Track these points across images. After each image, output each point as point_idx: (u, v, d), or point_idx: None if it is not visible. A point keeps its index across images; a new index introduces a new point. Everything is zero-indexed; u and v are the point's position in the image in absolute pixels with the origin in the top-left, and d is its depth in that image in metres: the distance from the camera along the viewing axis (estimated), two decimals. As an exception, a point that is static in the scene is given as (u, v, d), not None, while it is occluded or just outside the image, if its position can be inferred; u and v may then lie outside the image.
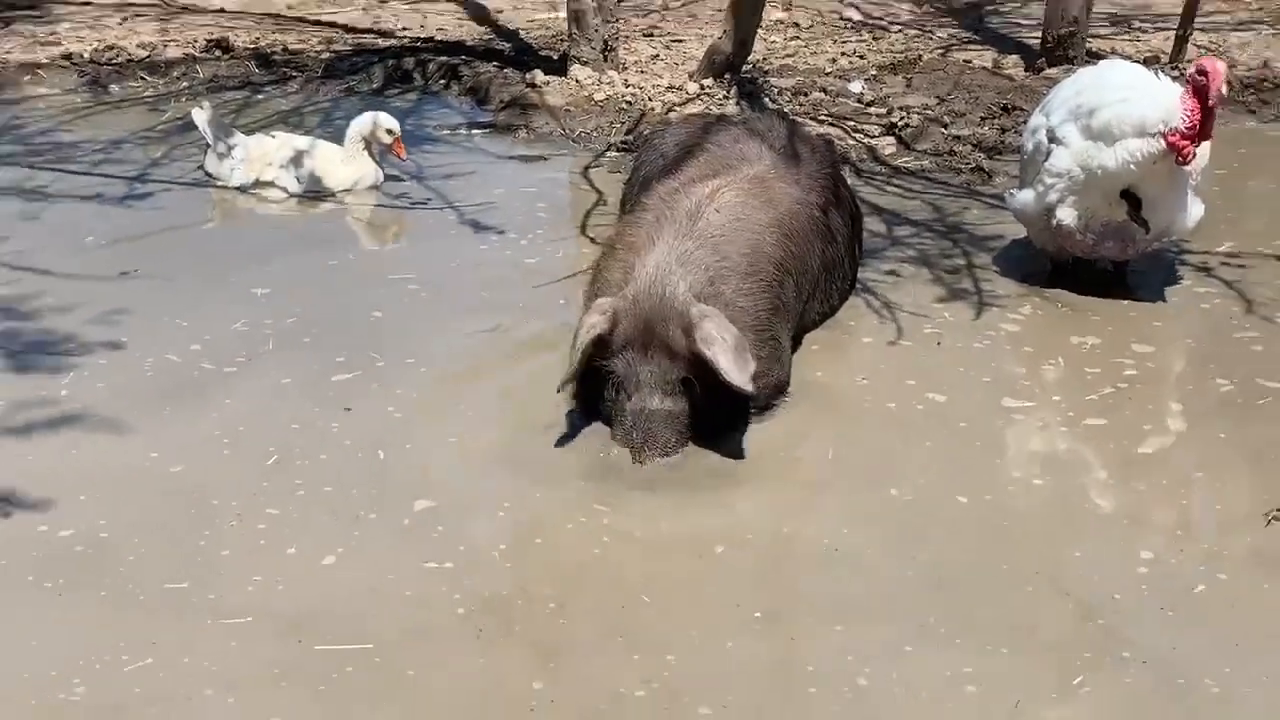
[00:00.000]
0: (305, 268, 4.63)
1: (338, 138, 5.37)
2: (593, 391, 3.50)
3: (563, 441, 3.46)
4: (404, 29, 6.83)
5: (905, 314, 4.34)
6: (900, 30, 6.76)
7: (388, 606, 2.82)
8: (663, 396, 3.29)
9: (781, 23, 7.03)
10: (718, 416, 3.39)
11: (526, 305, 4.36)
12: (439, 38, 6.65)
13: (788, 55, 6.46)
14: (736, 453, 3.45)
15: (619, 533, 3.10)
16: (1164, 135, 4.07)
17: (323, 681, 2.65)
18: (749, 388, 3.22)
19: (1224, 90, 4.04)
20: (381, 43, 6.58)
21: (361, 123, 5.25)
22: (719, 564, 3.01)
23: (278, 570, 2.99)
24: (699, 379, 3.30)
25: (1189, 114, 4.04)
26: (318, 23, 6.91)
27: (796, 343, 4.01)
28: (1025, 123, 4.67)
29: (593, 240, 4.84)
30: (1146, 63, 5.35)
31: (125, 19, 6.95)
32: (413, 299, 4.41)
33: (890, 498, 3.28)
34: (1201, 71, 4.04)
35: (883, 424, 3.68)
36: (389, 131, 5.25)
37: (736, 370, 3.19)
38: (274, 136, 5.39)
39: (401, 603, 2.86)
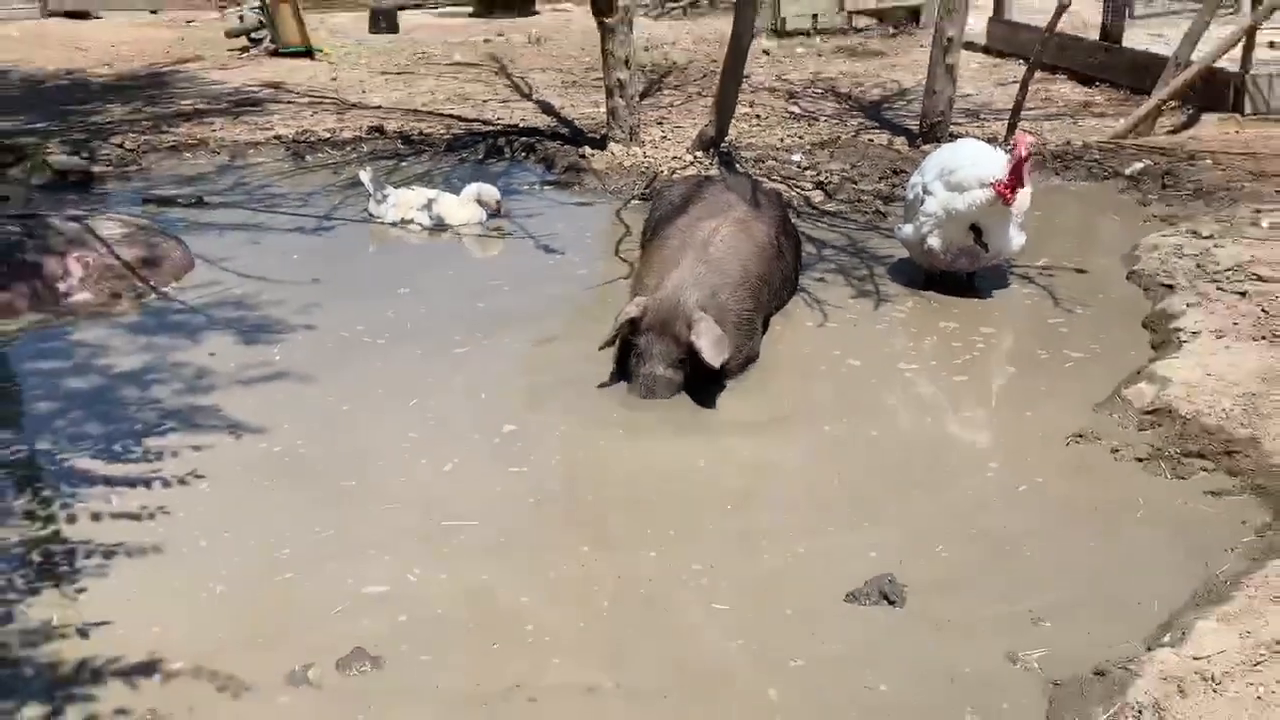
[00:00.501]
0: (434, 277, 4.49)
1: (456, 190, 5.19)
2: (624, 359, 3.42)
3: (601, 387, 3.40)
4: (499, 119, 6.80)
5: (831, 306, 4.19)
6: (826, 120, 6.68)
7: (483, 497, 2.79)
8: (666, 366, 3.24)
9: (748, 115, 6.92)
10: (707, 381, 3.30)
11: (579, 301, 4.23)
12: (521, 125, 6.53)
13: (750, 136, 6.31)
14: (713, 403, 3.33)
15: (635, 450, 3.04)
16: (994, 186, 3.96)
17: (445, 545, 2.63)
18: (716, 364, 3.13)
19: (1025, 153, 3.87)
20: (484, 128, 6.43)
21: (472, 189, 5.11)
22: (702, 473, 2.95)
23: (415, 473, 2.94)
24: (692, 359, 3.23)
25: (1009, 170, 3.94)
26: (443, 115, 6.85)
27: (764, 326, 3.87)
28: (908, 180, 4.46)
29: (622, 259, 4.65)
30: (989, 140, 5.27)
31: (315, 112, 6.95)
32: (505, 298, 4.27)
33: (824, 432, 3.18)
34: (1014, 144, 3.96)
35: (818, 380, 3.55)
36: (496, 200, 5.11)
37: (712, 355, 3.13)
38: (413, 189, 5.20)
39: (492, 495, 2.82)
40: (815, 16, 9.39)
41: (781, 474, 2.91)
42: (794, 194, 5.35)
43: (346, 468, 2.91)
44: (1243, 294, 3.64)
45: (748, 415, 3.22)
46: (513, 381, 3.45)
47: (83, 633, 2.18)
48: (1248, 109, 6.13)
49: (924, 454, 2.98)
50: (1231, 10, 7.27)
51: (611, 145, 6.03)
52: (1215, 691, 1.72)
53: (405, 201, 5.08)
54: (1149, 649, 1.99)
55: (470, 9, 10.44)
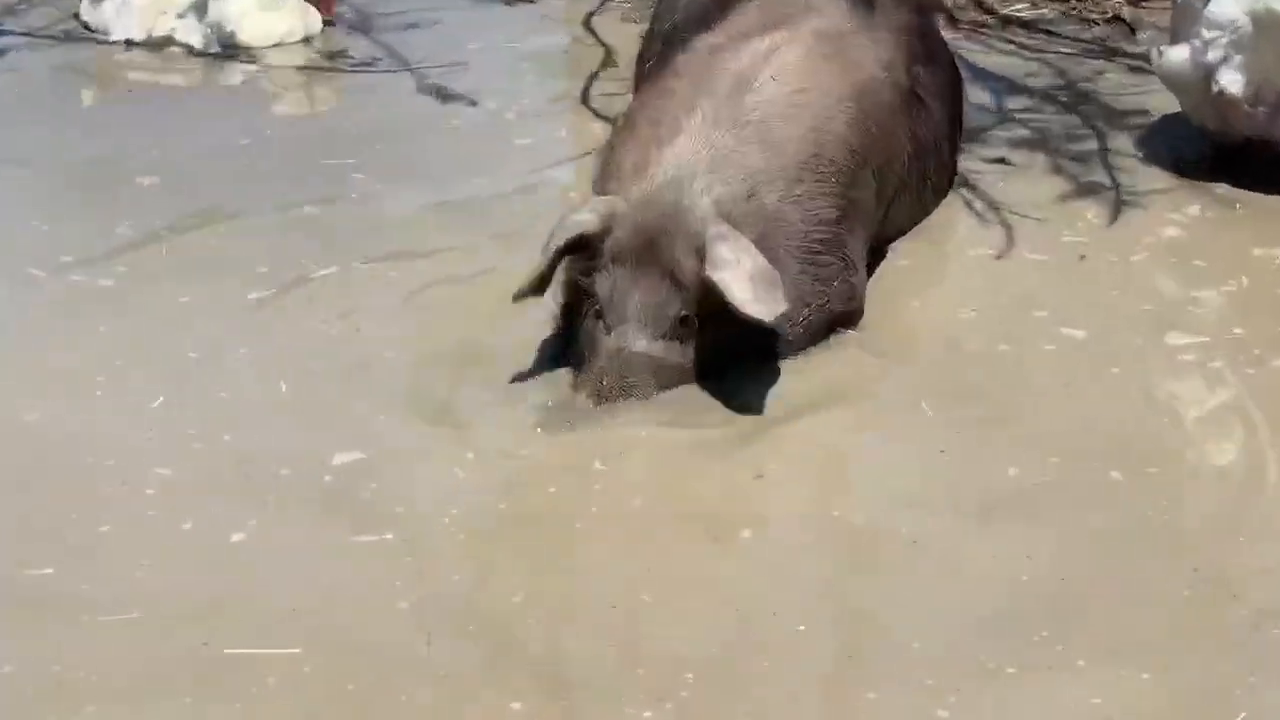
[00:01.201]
0: (211, 150, 4.16)
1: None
2: (570, 318, 3.18)
3: (519, 380, 3.09)
4: None
5: (1023, 218, 3.78)
6: None
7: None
8: (651, 337, 2.99)
9: None
10: (740, 363, 3.07)
11: (515, 202, 3.90)
12: None
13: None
14: (757, 406, 3.01)
15: (601, 514, 2.73)
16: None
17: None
18: (767, 318, 2.90)
19: None
20: None
21: None
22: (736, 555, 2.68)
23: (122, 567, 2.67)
24: (711, 320, 2.98)
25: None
26: None
27: (877, 257, 3.51)
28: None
29: (598, 114, 4.36)
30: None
31: None
32: (360, 193, 3.93)
33: (1009, 480, 2.79)
34: None
35: (1000, 373, 3.19)
36: None
37: (753, 298, 2.89)
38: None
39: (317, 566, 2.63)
40: None
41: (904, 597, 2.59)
42: (949, -15, 5.13)
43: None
44: None
45: (828, 442, 3.00)
46: (346, 361, 3.20)
47: None
48: None
49: (1217, 534, 2.70)
50: None
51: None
52: None
53: (154, 1, 4.79)
54: None
55: None
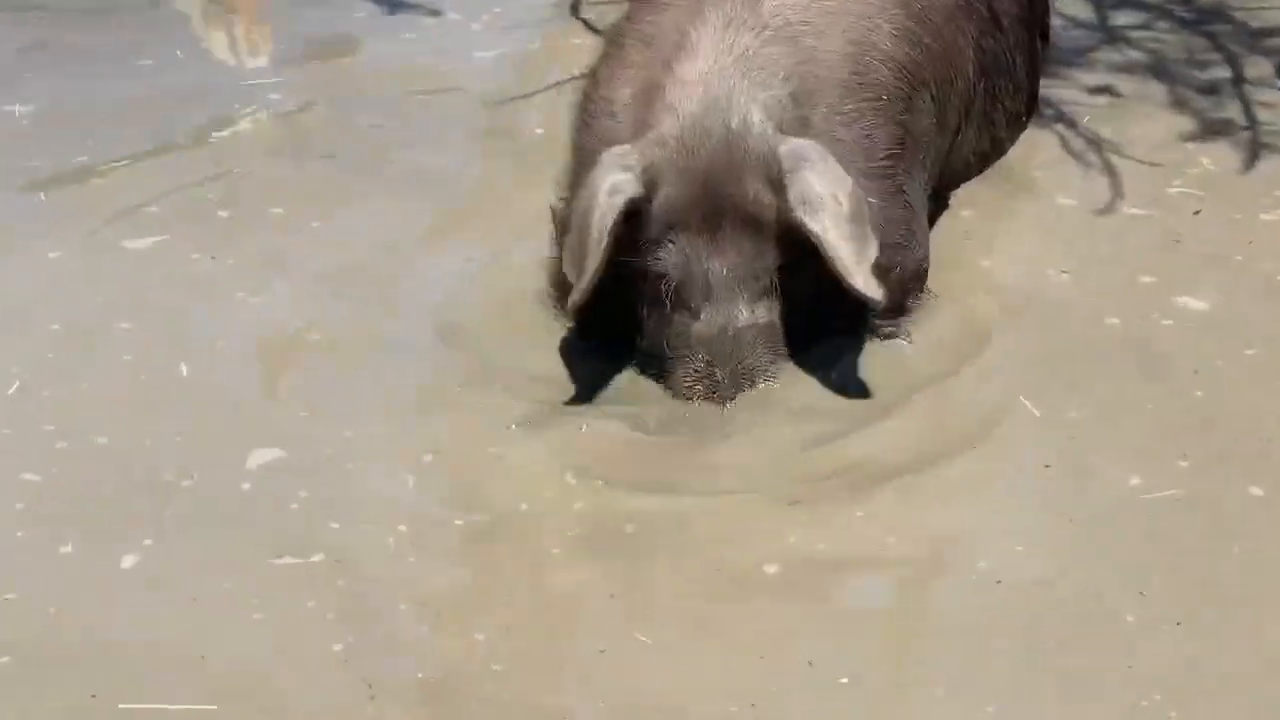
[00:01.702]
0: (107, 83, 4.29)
1: None
2: (605, 311, 3.14)
3: (570, 405, 3.06)
4: None
5: (1129, 159, 3.81)
6: None
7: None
8: (753, 302, 3.03)
9: None
10: (811, 331, 3.13)
11: (482, 141, 3.99)
12: None
13: None
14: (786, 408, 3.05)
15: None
16: None
17: None
18: (876, 294, 2.93)
19: None
20: None
21: None
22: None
23: None
24: (791, 266, 3.02)
25: None
26: None
27: (939, 204, 3.56)
28: None
29: (589, 25, 4.43)
30: None
31: None
32: (281, 128, 4.08)
33: (1128, 492, 2.79)
34: None
35: (1110, 355, 3.19)
36: None
37: (855, 260, 2.91)
38: None
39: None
40: None
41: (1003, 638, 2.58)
42: None
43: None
44: None
45: (917, 444, 2.97)
46: (264, 336, 3.22)
47: None
48: None
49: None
50: None
51: None
52: None
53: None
54: None
55: None
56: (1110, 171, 3.82)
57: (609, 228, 2.91)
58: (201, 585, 2.53)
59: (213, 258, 3.45)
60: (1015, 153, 3.86)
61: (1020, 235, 3.64)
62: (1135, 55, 4.33)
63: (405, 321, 3.28)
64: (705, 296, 3.01)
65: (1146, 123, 4.00)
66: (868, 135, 3.20)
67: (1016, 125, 3.88)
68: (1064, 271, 3.46)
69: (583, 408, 3.03)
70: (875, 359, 3.18)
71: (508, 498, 2.75)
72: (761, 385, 3.07)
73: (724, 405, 3.01)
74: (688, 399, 3.01)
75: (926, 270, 3.29)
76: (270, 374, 3.13)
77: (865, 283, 2.90)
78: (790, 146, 2.94)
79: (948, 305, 3.32)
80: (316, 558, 2.57)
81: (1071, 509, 2.76)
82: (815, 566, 2.66)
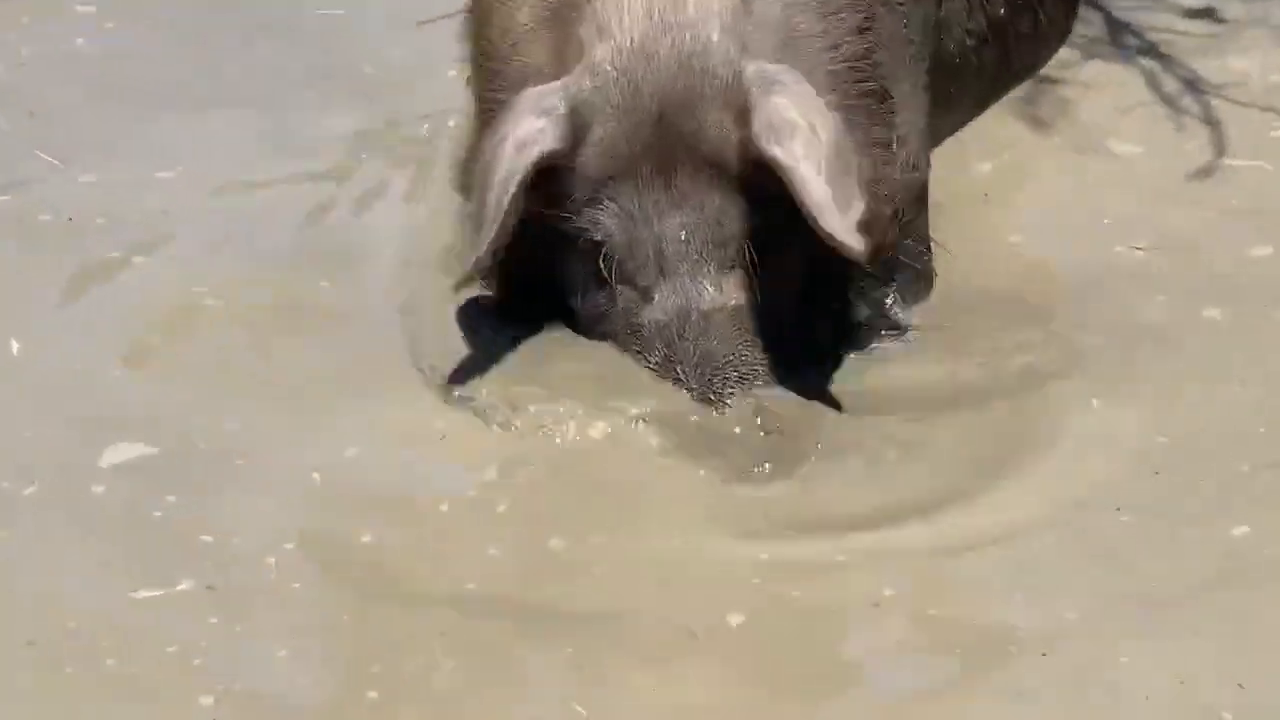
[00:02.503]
0: None
1: None
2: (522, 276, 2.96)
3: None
4: None
5: (1232, 104, 3.54)
6: None
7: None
8: (720, 275, 2.78)
9: None
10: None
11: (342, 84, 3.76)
12: None
13: None
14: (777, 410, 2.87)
15: None
16: None
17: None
18: (855, 244, 2.68)
19: None
20: None
21: None
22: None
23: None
24: (768, 230, 2.81)
25: None
26: None
27: (956, 162, 3.42)
28: None
29: None
30: None
31: None
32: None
33: (1233, 545, 2.64)
34: None
35: (1210, 357, 2.98)
36: None
37: (831, 201, 2.68)
38: None
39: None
40: None
41: None
42: None
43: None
44: None
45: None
46: (126, 305, 3.08)
47: None
48: None
49: None
50: None
51: None
52: None
53: None
54: None
55: None
56: (1212, 119, 3.52)
57: (512, 191, 2.70)
58: (40, 626, 2.38)
59: (55, 211, 3.31)
60: (1084, 97, 3.61)
61: (1083, 193, 3.35)
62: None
63: (335, 286, 3.13)
64: (658, 270, 2.75)
65: (1255, 55, 3.71)
66: (851, 45, 2.94)
67: (1021, 6, 3.61)
68: (1138, 248, 3.21)
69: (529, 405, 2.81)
70: (867, 365, 2.95)
71: (426, 513, 2.57)
72: (740, 388, 2.78)
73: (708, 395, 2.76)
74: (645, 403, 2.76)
75: (926, 202, 3.09)
76: (139, 348, 2.94)
77: (842, 228, 2.64)
78: (759, 67, 2.72)
79: (979, 282, 3.08)
80: (183, 586, 2.40)
81: (1141, 568, 2.55)
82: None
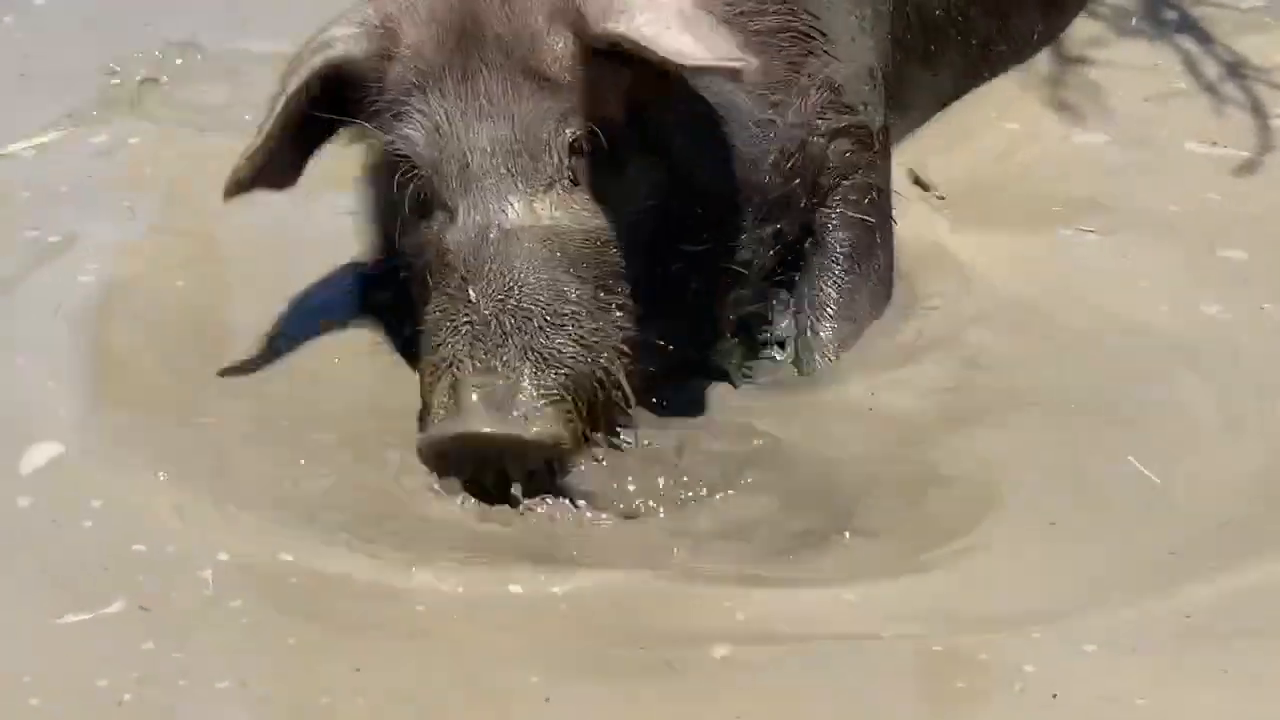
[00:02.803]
0: None
1: None
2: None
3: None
4: None
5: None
6: None
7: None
8: (531, 192, 2.54)
9: None
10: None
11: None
12: None
13: None
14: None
15: None
16: None
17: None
18: (735, 64, 2.51)
19: None
20: None
21: None
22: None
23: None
24: (621, 144, 2.57)
25: None
26: None
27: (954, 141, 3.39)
28: None
29: None
30: None
31: None
32: None
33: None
34: None
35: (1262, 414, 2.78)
36: None
37: (693, 46, 2.47)
38: None
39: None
40: None
41: None
42: None
43: None
44: None
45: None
46: (32, 300, 3.08)
47: None
48: None
49: None
50: None
51: None
52: None
53: None
54: None
55: None
56: (1260, 109, 3.37)
57: (292, 89, 2.55)
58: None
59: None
60: (1120, 80, 3.42)
61: (1111, 192, 3.16)
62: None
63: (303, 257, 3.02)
64: (463, 186, 2.55)
65: None
66: None
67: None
68: (1147, 292, 2.96)
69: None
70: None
71: (388, 532, 2.41)
72: (553, 343, 2.46)
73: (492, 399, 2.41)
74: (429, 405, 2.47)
75: (886, 167, 2.92)
76: (40, 340, 2.86)
77: (710, 56, 2.48)
78: None
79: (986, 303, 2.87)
80: (114, 607, 2.25)
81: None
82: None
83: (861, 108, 2.98)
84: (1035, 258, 3.09)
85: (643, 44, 2.47)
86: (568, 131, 2.56)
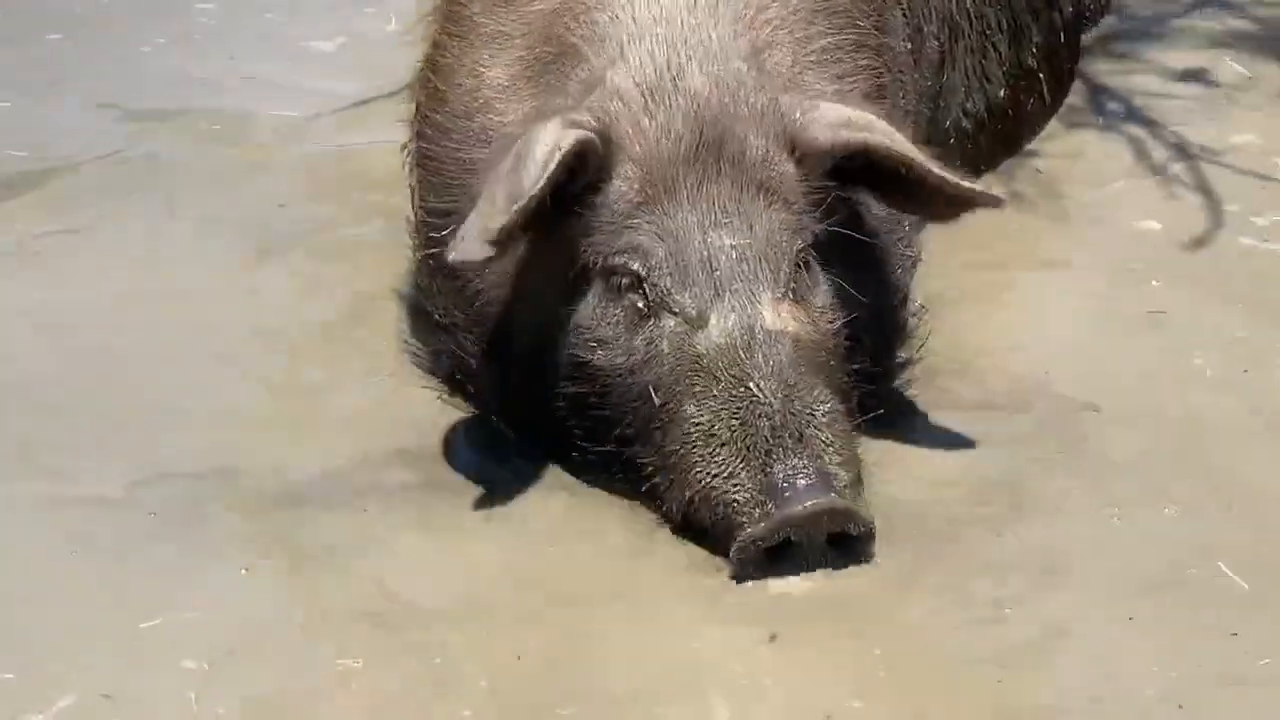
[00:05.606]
0: None
1: None
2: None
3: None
4: None
5: (1235, 173, 3.52)
6: None
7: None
8: (776, 299, 2.65)
9: None
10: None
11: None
12: None
13: None
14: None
15: None
16: None
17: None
18: (990, 193, 2.77)
19: None
20: None
21: None
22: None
23: None
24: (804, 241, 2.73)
25: None
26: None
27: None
28: None
29: None
30: None
31: None
32: None
33: None
34: None
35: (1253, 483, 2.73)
36: None
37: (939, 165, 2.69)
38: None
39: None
40: None
41: None
42: None
43: None
44: None
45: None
46: None
47: None
48: None
49: None
50: None
51: None
52: None
53: None
54: None
55: None
56: (1206, 189, 3.47)
57: (555, 167, 2.52)
58: None
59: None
60: (1060, 165, 3.55)
61: (1065, 282, 3.22)
62: (1240, 24, 4.08)
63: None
64: (713, 290, 2.62)
65: (1256, 119, 3.69)
66: (840, 78, 2.94)
67: (1024, 90, 3.60)
68: (1128, 356, 2.93)
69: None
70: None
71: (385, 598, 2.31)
72: (836, 436, 2.54)
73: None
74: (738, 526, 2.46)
75: (916, 259, 3.06)
76: None
77: (958, 181, 2.63)
78: (794, 96, 2.74)
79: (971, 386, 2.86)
80: (65, 703, 2.19)
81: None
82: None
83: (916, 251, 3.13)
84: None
85: (896, 156, 2.64)
86: (798, 243, 2.67)
